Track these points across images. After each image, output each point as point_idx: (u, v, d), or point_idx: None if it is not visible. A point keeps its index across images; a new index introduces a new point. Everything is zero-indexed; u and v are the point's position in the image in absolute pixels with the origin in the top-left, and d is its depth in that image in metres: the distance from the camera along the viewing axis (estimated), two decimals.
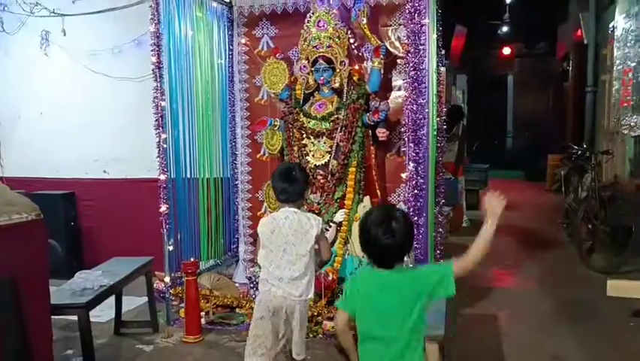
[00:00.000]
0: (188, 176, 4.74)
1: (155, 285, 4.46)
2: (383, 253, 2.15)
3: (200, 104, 4.85)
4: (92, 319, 3.38)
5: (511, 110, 17.09)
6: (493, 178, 10.38)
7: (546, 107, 15.39)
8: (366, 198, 4.57)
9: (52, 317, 2.82)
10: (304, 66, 4.66)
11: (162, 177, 4.28)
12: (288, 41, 4.94)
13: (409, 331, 2.11)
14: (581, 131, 9.24)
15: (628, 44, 5.20)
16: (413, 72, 3.72)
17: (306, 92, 4.74)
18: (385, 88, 4.71)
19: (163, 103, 4.24)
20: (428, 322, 2.23)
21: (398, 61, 4.69)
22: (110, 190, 5.85)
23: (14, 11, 5.91)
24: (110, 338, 4.18)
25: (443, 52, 5.42)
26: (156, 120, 4.22)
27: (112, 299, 3.99)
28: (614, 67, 5.43)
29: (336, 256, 4.44)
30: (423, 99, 3.76)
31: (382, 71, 4.55)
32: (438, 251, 4.59)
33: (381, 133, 4.54)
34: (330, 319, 4.08)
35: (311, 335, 3.94)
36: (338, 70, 4.57)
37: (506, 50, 15.94)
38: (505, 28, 14.30)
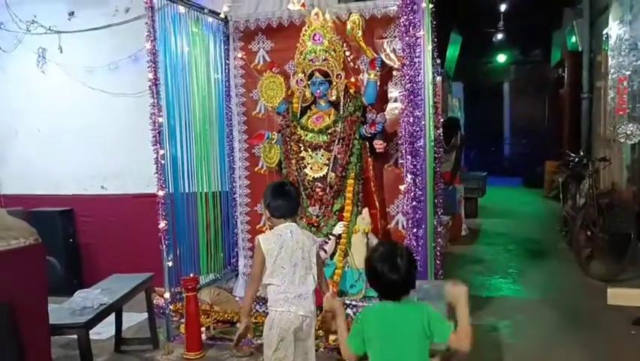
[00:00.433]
0: (187, 191, 4.74)
1: (154, 301, 4.44)
2: (390, 287, 2.26)
3: (197, 118, 4.86)
4: (92, 336, 3.37)
5: (507, 117, 17.16)
6: (491, 186, 10.40)
7: (542, 113, 15.45)
8: (365, 210, 4.57)
9: (53, 336, 2.81)
10: (300, 80, 4.68)
11: (161, 192, 4.27)
12: (284, 55, 4.96)
13: (423, 357, 2.21)
14: (577, 138, 9.27)
15: (622, 53, 5.22)
16: (409, 85, 3.74)
17: (303, 105, 4.76)
18: (382, 100, 4.73)
19: (160, 119, 4.25)
20: None
21: (394, 73, 4.71)
22: (108, 206, 5.85)
23: (10, 29, 5.92)
24: (110, 356, 4.16)
25: (439, 61, 5.45)
26: (154, 136, 4.23)
27: (112, 316, 3.97)
28: (609, 75, 5.44)
29: (335, 268, 4.44)
30: (419, 111, 3.78)
31: (378, 83, 4.57)
32: (438, 261, 4.59)
33: (379, 145, 4.56)
34: (332, 332, 4.07)
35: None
36: (334, 83, 4.58)
37: (502, 58, 16.02)
38: (500, 36, 14.37)
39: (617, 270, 5.64)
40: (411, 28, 3.71)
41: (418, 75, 3.76)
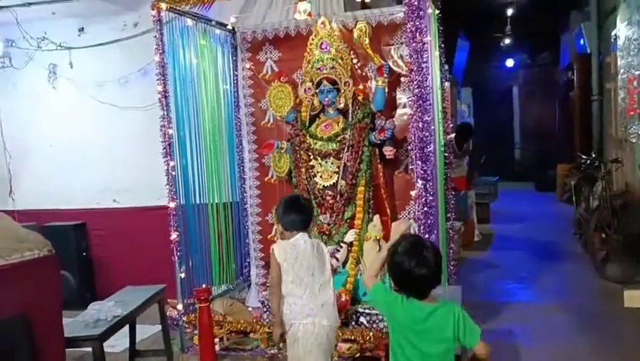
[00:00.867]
0: (198, 202, 4.76)
1: (168, 313, 4.45)
2: (419, 283, 2.17)
3: (207, 130, 4.88)
4: (106, 349, 3.37)
5: (517, 121, 17.06)
6: (503, 190, 10.34)
7: (552, 117, 15.36)
8: (376, 217, 4.56)
9: (67, 349, 2.81)
10: (309, 88, 4.69)
11: (172, 204, 4.30)
12: (292, 64, 4.97)
13: (445, 357, 2.18)
14: (589, 140, 9.20)
15: (631, 53, 5.19)
16: (417, 90, 3.73)
17: (312, 113, 4.76)
18: (390, 106, 4.72)
19: (170, 131, 4.28)
20: None
21: (402, 79, 4.70)
22: (120, 219, 5.89)
23: (22, 46, 6.02)
24: None
25: (447, 67, 5.44)
26: (164, 148, 4.26)
27: (126, 329, 3.98)
28: (619, 76, 5.42)
29: (348, 276, 4.42)
30: (428, 116, 3.77)
31: (386, 90, 4.56)
32: (451, 267, 4.56)
33: (388, 151, 4.54)
34: (346, 341, 4.06)
35: None
36: (342, 90, 4.59)
37: (510, 62, 15.98)
38: (507, 41, 14.35)
39: (634, 272, 5.57)
40: (417, 34, 3.71)
41: (426, 80, 3.76)
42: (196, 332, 4.27)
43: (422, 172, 3.76)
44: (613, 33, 6.45)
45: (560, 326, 4.64)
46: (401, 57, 4.67)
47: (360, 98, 4.65)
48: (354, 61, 4.72)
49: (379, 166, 4.72)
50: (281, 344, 3.73)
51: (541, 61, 16.00)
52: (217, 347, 4.22)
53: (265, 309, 4.50)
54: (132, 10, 5.68)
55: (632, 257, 5.71)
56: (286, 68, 5.02)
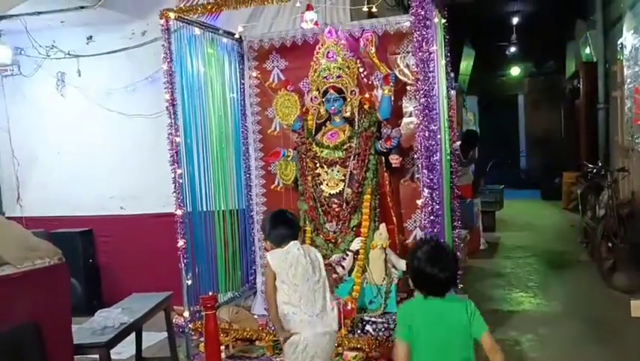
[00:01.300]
0: (205, 209, 4.78)
1: (174, 320, 4.45)
2: (440, 286, 2.29)
3: (214, 138, 4.91)
4: (113, 356, 3.38)
5: (523, 129, 17.05)
6: (508, 199, 10.32)
7: (558, 125, 15.33)
8: (382, 225, 4.56)
9: (75, 356, 2.82)
10: (315, 97, 4.72)
11: (179, 211, 4.32)
12: (299, 73, 5.01)
13: (466, 351, 2.27)
14: (595, 148, 9.18)
15: (638, 62, 5.20)
16: (423, 99, 3.75)
17: (318, 122, 4.79)
18: (396, 115, 4.74)
19: (177, 139, 4.31)
20: None
21: (408, 88, 4.73)
22: (127, 226, 5.91)
23: (31, 54, 6.07)
24: None
25: (452, 75, 5.45)
26: (171, 156, 4.29)
27: (132, 336, 3.99)
28: (625, 85, 5.42)
29: (354, 285, 4.42)
30: (434, 125, 3.78)
31: (393, 98, 4.58)
32: (457, 275, 4.55)
33: (395, 160, 4.56)
34: (352, 349, 4.06)
35: None
36: (349, 99, 4.61)
37: (515, 70, 15.99)
38: (513, 49, 14.36)
39: None
40: (424, 43, 3.73)
41: (432, 89, 3.77)
42: (202, 339, 4.27)
43: (428, 181, 3.77)
44: (619, 42, 6.45)
45: (566, 335, 4.62)
46: (407, 66, 4.70)
47: (366, 106, 4.67)
48: (361, 70, 4.75)
49: (385, 174, 4.74)
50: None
51: (546, 69, 16.00)
52: (223, 355, 4.22)
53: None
54: (140, 18, 5.72)
55: (638, 266, 5.69)
56: (293, 76, 5.05)
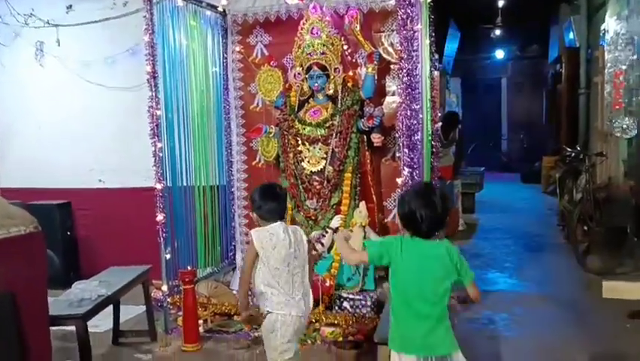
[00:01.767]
0: (185, 184, 4.75)
1: (152, 294, 4.45)
2: (425, 224, 2.30)
3: (195, 112, 4.86)
4: (90, 329, 3.38)
5: (505, 113, 17.17)
6: (489, 181, 10.43)
7: (540, 109, 15.47)
8: (362, 204, 4.57)
9: (51, 328, 2.81)
10: (298, 73, 4.68)
11: (158, 185, 4.28)
12: (282, 49, 4.95)
13: (445, 299, 2.31)
14: (575, 133, 9.29)
15: (619, 47, 5.25)
16: (407, 78, 3.74)
17: (301, 99, 4.76)
18: (379, 93, 4.73)
19: (158, 112, 4.25)
20: None
21: (392, 66, 4.70)
22: (106, 200, 5.86)
23: (9, 22, 5.93)
24: (108, 348, 4.18)
25: (436, 56, 5.45)
26: (152, 129, 4.23)
27: (110, 309, 3.99)
28: (606, 70, 5.47)
29: (332, 262, 4.45)
30: (417, 105, 3.78)
31: (376, 77, 4.57)
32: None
33: (376, 138, 4.56)
34: (329, 325, 4.10)
35: (309, 342, 3.95)
36: (332, 76, 4.59)
37: (499, 54, 16.03)
38: (497, 32, 14.38)
39: (614, 264, 5.66)
40: (409, 21, 3.71)
41: (416, 69, 3.77)
42: (180, 313, 4.28)
43: (409, 160, 3.79)
44: (602, 27, 6.49)
45: (540, 315, 4.71)
46: (392, 45, 4.67)
47: (349, 84, 4.65)
48: (345, 47, 4.72)
49: (367, 153, 4.74)
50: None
51: (530, 53, 16.07)
52: (201, 329, 4.24)
53: (249, 293, 4.52)
54: None
55: (612, 250, 5.81)
56: (276, 52, 5.00)
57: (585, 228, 6.09)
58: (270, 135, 4.86)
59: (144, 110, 4.22)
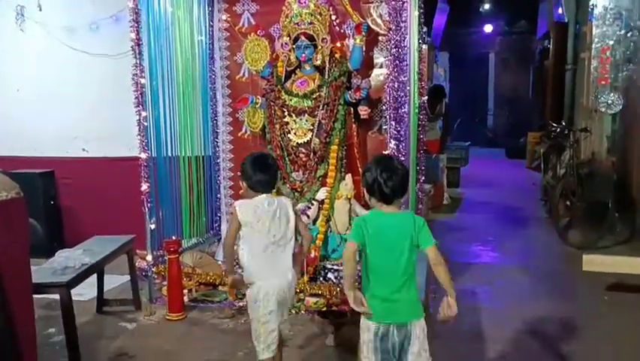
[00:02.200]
0: (170, 154, 4.72)
1: (137, 264, 4.45)
2: (387, 189, 2.38)
3: (180, 81, 4.80)
4: (73, 298, 3.36)
5: (492, 87, 17.20)
6: (474, 156, 10.49)
7: (527, 84, 15.51)
8: (348, 176, 4.59)
9: (34, 296, 2.80)
10: (286, 43, 4.63)
11: (143, 155, 4.26)
12: (270, 18, 4.89)
13: (409, 263, 2.39)
14: (560, 109, 9.33)
15: (607, 22, 5.25)
16: (395, 49, 3.72)
17: (288, 69, 4.72)
18: (367, 65, 4.70)
19: (143, 80, 4.20)
20: None
21: (380, 38, 4.66)
22: (89, 169, 5.79)
23: None
24: (92, 317, 4.18)
25: (425, 29, 5.41)
26: (136, 98, 4.19)
27: (94, 278, 3.98)
28: (593, 45, 5.49)
29: (318, 233, 4.47)
30: (404, 77, 3.77)
31: (364, 49, 4.53)
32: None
33: (363, 111, 4.55)
34: (313, 295, 4.14)
35: (293, 312, 3.99)
36: (320, 47, 4.55)
37: (488, 28, 15.97)
38: (487, 6, 14.31)
39: (595, 238, 5.76)
40: None
41: (404, 40, 3.75)
42: (165, 283, 4.30)
43: (395, 132, 3.79)
44: (591, 2, 6.48)
45: (521, 287, 4.79)
46: (380, 16, 4.62)
47: (337, 55, 4.62)
48: (333, 17, 4.67)
49: (354, 126, 4.73)
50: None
51: (518, 28, 16.04)
52: (185, 298, 4.27)
53: (234, 263, 4.53)
54: None
55: (593, 224, 5.89)
56: (263, 21, 4.94)
57: (567, 203, 6.17)
58: (257, 106, 4.82)
59: (128, 79, 4.17)
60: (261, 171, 2.87)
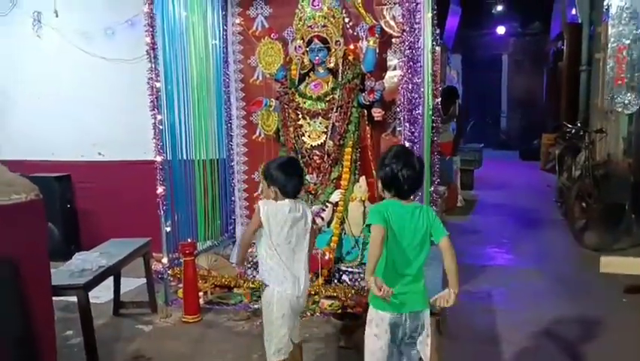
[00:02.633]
0: (185, 157, 4.75)
1: (153, 266, 4.48)
2: (404, 184, 2.41)
3: (195, 85, 4.84)
4: (91, 300, 3.39)
5: (505, 89, 17.10)
6: (488, 158, 10.44)
7: (540, 86, 15.40)
8: (362, 178, 4.59)
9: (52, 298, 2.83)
10: (299, 46, 4.64)
11: (158, 158, 4.29)
12: (283, 21, 4.91)
13: (424, 253, 2.43)
14: (575, 110, 9.27)
15: (623, 22, 5.21)
16: (408, 51, 3.73)
17: (302, 72, 4.73)
18: (380, 67, 4.70)
19: (158, 84, 4.24)
20: None
21: (393, 40, 4.68)
22: (106, 172, 5.84)
23: None
24: (109, 319, 4.21)
25: (438, 31, 5.40)
26: (151, 102, 4.23)
27: (110, 281, 4.01)
28: (609, 45, 5.44)
29: (332, 236, 4.47)
30: (418, 78, 3.77)
31: (377, 51, 4.53)
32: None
33: (377, 113, 4.55)
34: (328, 297, 4.14)
35: (309, 313, 4.00)
36: (333, 50, 4.55)
37: (501, 30, 15.89)
38: (499, 8, 14.23)
39: (611, 240, 5.70)
40: None
41: (418, 42, 3.75)
42: (180, 285, 4.33)
43: (409, 134, 3.79)
44: (605, 2, 6.43)
45: (536, 289, 4.75)
46: (393, 18, 4.63)
47: (350, 58, 4.62)
48: (346, 20, 4.68)
49: (367, 128, 4.74)
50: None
51: (532, 30, 15.94)
52: (201, 301, 4.28)
53: (249, 265, 4.55)
54: None
55: (610, 226, 5.84)
56: (277, 24, 4.96)
57: (583, 204, 6.11)
58: (270, 109, 4.84)
59: (144, 83, 4.20)
60: (290, 176, 2.87)
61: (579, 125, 7.28)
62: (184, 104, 4.71)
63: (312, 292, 4.08)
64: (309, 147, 4.67)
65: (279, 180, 2.85)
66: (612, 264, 4.49)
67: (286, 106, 4.72)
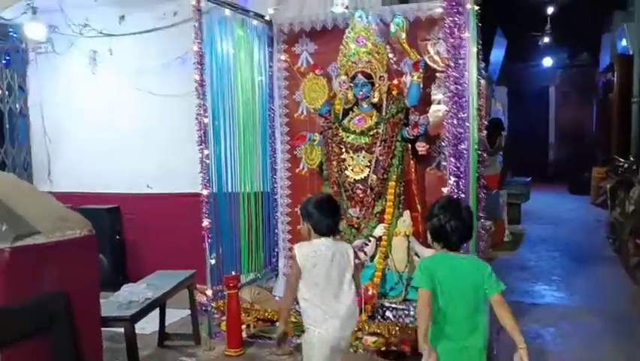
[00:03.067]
0: (230, 190, 4.83)
1: (197, 298, 4.52)
2: (453, 235, 2.38)
3: (241, 120, 4.95)
4: (136, 331, 3.46)
5: (553, 122, 16.76)
6: (535, 191, 10.20)
7: (589, 118, 15.06)
8: (406, 213, 4.55)
9: None
10: (343, 81, 4.69)
11: (205, 191, 4.37)
12: (327, 57, 4.99)
13: (478, 308, 2.38)
14: (626, 143, 9.00)
15: None
16: (454, 86, 3.71)
17: (346, 107, 4.77)
18: (425, 102, 4.70)
19: (205, 119, 4.34)
20: None
21: (437, 75, 4.67)
22: (153, 205, 5.98)
23: (64, 32, 6.17)
24: (154, 350, 4.26)
25: (483, 64, 5.39)
26: (199, 136, 4.33)
27: (156, 311, 4.07)
28: None
29: (375, 270, 4.43)
30: (464, 113, 3.74)
31: (421, 85, 4.54)
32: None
33: (421, 147, 4.53)
34: (371, 334, 4.08)
35: (352, 350, 3.94)
36: (377, 85, 4.58)
37: (548, 62, 15.68)
38: (546, 39, 14.07)
39: None
40: (456, 29, 3.68)
41: (463, 77, 3.74)
42: (224, 318, 4.35)
43: (455, 169, 3.75)
44: None
45: (588, 329, 4.57)
46: (437, 53, 4.64)
47: (394, 92, 4.64)
48: (390, 55, 4.71)
49: (411, 162, 4.71)
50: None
51: (580, 61, 15.67)
52: (244, 334, 4.29)
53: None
54: None
55: None
56: (321, 60, 5.04)
57: (638, 241, 5.88)
58: (314, 143, 4.88)
59: (192, 118, 4.32)
60: (326, 215, 2.87)
61: (632, 159, 7.06)
62: (230, 139, 4.82)
63: (356, 328, 4.02)
64: (352, 180, 4.67)
65: (314, 218, 2.87)
66: None
67: (330, 140, 4.75)
